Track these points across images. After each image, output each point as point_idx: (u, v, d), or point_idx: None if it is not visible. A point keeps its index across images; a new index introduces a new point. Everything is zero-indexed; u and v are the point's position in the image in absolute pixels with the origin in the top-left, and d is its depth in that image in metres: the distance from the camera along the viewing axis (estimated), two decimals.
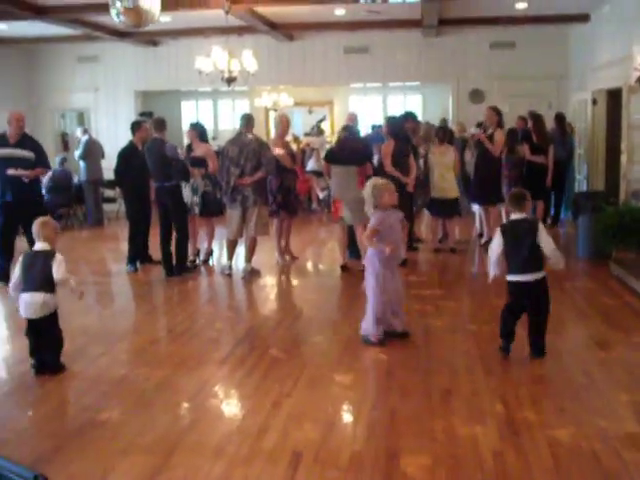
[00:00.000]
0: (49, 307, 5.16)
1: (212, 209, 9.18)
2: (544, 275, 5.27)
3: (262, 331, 6.45)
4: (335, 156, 8.52)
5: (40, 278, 5.11)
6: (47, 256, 5.16)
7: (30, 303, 5.12)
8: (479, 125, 10.61)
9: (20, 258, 5.30)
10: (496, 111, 9.75)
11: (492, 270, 5.37)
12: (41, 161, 8.47)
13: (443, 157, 9.43)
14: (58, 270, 5.09)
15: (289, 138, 9.34)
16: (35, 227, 5.32)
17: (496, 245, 5.31)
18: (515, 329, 5.34)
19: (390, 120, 9.28)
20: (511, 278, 5.27)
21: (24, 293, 5.15)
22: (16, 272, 5.25)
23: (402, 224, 5.74)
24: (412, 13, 12.10)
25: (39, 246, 5.27)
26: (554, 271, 8.15)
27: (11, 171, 8.07)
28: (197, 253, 9.41)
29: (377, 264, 5.59)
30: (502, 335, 5.37)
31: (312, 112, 18.85)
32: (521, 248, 5.17)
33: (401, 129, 8.95)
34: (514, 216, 5.36)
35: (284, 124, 9.12)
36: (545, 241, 5.17)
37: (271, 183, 8.88)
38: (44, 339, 5.23)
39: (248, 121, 8.51)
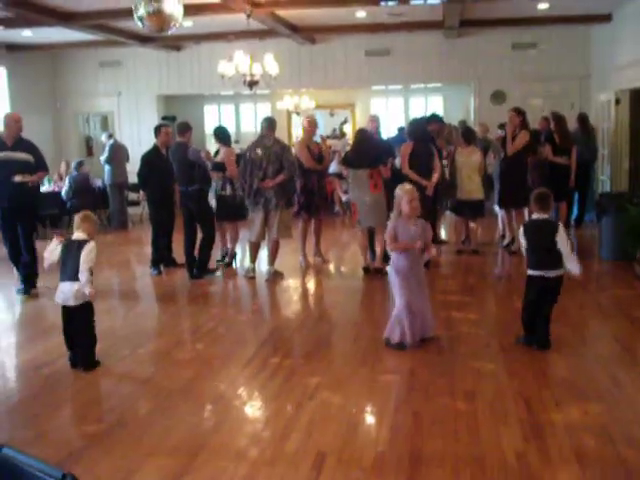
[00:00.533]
0: (84, 296, 5.30)
1: (225, 213, 9.09)
2: (562, 273, 5.47)
3: (285, 333, 6.48)
4: (349, 159, 8.60)
5: (74, 267, 5.25)
6: (80, 245, 5.30)
7: (64, 292, 5.31)
8: (501, 126, 10.55)
9: (60, 246, 5.41)
10: (517, 111, 9.61)
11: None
12: (41, 164, 8.17)
13: (470, 158, 9.40)
14: (84, 260, 5.23)
15: (317, 139, 9.33)
16: (76, 219, 5.48)
17: (522, 242, 5.62)
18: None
19: (411, 122, 9.26)
20: (531, 273, 5.52)
21: (61, 282, 5.33)
22: (54, 254, 5.40)
23: (426, 232, 5.65)
24: (433, 14, 12.08)
25: (76, 235, 5.41)
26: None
27: (18, 178, 7.77)
28: (225, 254, 9.47)
29: (400, 268, 5.59)
30: (526, 328, 5.62)
31: (334, 115, 18.87)
32: (541, 246, 5.43)
33: (422, 131, 8.87)
34: (535, 216, 5.59)
35: (311, 126, 9.14)
36: (562, 244, 5.33)
37: (296, 185, 8.94)
38: (78, 332, 5.40)
39: (270, 124, 8.54)
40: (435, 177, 8.57)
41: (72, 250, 5.32)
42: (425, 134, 8.86)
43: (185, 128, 8.86)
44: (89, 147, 16.93)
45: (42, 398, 4.93)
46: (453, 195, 9.51)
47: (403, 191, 5.55)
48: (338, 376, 5.15)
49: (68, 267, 5.31)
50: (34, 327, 7.02)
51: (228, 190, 8.99)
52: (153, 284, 8.77)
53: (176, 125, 9.02)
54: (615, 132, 11.88)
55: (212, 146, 13.48)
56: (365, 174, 8.31)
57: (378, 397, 4.74)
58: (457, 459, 3.75)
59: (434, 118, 9.69)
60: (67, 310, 5.39)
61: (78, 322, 5.40)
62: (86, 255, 5.25)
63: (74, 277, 5.26)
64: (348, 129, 18.68)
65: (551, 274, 5.41)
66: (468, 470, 3.63)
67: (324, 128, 18.40)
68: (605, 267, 8.78)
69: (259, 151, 8.33)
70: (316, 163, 9.00)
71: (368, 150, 8.46)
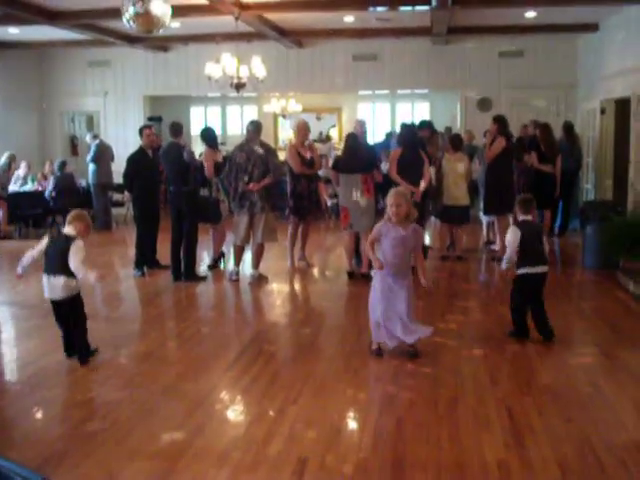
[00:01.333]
0: (70, 289, 5.37)
1: (204, 215, 8.99)
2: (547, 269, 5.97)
3: (268, 337, 6.46)
4: (341, 164, 8.58)
5: (58, 261, 5.28)
6: (67, 240, 5.33)
7: (51, 286, 5.37)
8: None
9: (46, 238, 5.49)
10: (494, 119, 9.62)
11: (506, 262, 5.92)
12: None
13: (456, 165, 9.42)
14: (73, 258, 5.23)
15: (309, 142, 9.32)
16: (69, 216, 5.53)
17: (513, 239, 5.83)
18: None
19: (401, 128, 9.28)
20: (523, 271, 5.85)
21: (45, 275, 5.38)
22: (37, 248, 5.46)
23: (417, 237, 5.57)
24: (422, 21, 12.14)
25: (66, 230, 5.46)
26: (561, 281, 8.20)
27: None
28: (218, 258, 9.45)
29: (378, 274, 5.57)
30: (520, 327, 5.99)
31: (320, 119, 18.89)
32: (534, 243, 5.85)
33: (411, 137, 8.89)
34: (522, 217, 5.99)
35: (302, 129, 9.13)
36: (545, 243, 5.96)
37: (287, 189, 8.95)
38: (71, 323, 5.48)
39: (256, 127, 8.52)
40: (423, 184, 8.53)
41: (59, 244, 5.34)
42: (415, 140, 8.88)
43: (179, 129, 8.83)
44: (74, 147, 16.86)
45: (23, 399, 4.88)
46: (439, 201, 9.53)
47: (389, 194, 5.52)
48: (321, 381, 5.14)
49: (53, 260, 5.34)
50: (15, 327, 6.96)
51: (205, 192, 8.96)
52: (136, 286, 8.73)
53: (169, 126, 8.94)
54: (600, 141, 11.96)
55: (199, 147, 13.49)
56: (358, 179, 8.29)
57: (361, 403, 4.73)
58: (439, 465, 3.75)
59: (425, 125, 9.71)
60: (56, 304, 5.46)
61: (69, 315, 5.46)
62: (74, 255, 5.24)
63: (59, 271, 5.29)
64: (334, 133, 18.72)
65: (545, 269, 5.90)
66: (450, 476, 3.64)
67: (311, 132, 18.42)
68: (588, 275, 8.83)
69: (244, 154, 8.32)
70: (307, 168, 8.99)
71: (361, 155, 8.47)
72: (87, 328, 5.56)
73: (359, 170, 8.31)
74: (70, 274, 5.30)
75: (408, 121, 9.57)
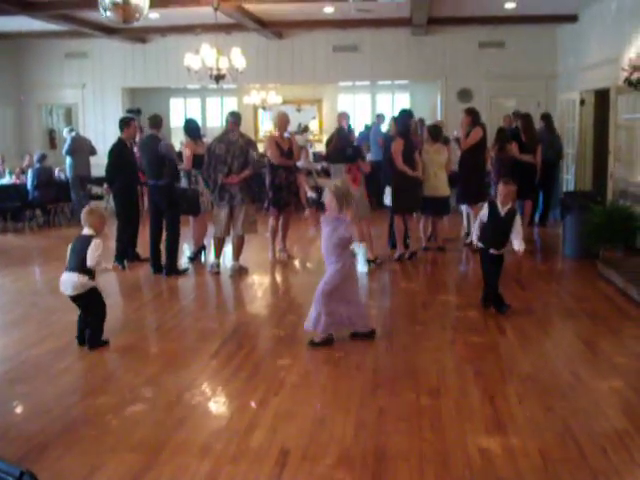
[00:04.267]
0: (83, 287, 5.61)
1: (183, 207, 8.94)
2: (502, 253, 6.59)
3: (249, 329, 6.44)
4: (329, 155, 9.01)
5: (77, 260, 5.57)
6: (86, 241, 5.59)
7: (64, 281, 5.64)
8: None
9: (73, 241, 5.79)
10: (466, 112, 9.83)
11: (475, 236, 6.70)
12: None
13: (436, 155, 9.42)
14: (91, 256, 5.51)
15: (288, 135, 9.28)
16: (82, 215, 5.76)
17: (483, 215, 6.55)
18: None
19: (398, 118, 9.30)
20: (480, 245, 6.65)
21: (65, 272, 5.66)
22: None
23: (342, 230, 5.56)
24: (401, 12, 12.11)
25: (85, 231, 5.70)
26: (541, 271, 8.25)
27: None
28: (199, 250, 9.40)
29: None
30: (485, 296, 6.71)
31: (301, 110, 18.84)
32: (496, 227, 6.44)
33: (408, 126, 9.13)
34: (500, 205, 6.50)
35: (282, 121, 9.10)
36: (517, 231, 6.40)
37: (265, 180, 8.96)
38: (87, 313, 5.76)
39: (235, 119, 8.47)
40: (420, 169, 9.03)
41: (78, 244, 5.62)
42: (409, 130, 9.21)
43: (159, 121, 8.76)
44: (52, 139, 16.69)
45: (3, 393, 4.84)
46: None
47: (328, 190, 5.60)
48: (303, 372, 5.13)
49: (72, 259, 5.61)
50: (0, 319, 6.91)
51: (184, 183, 8.92)
52: (117, 279, 8.66)
53: (149, 118, 8.86)
54: (579, 132, 12.01)
55: (179, 139, 13.42)
56: (343, 169, 8.56)
57: (343, 393, 4.72)
58: (421, 455, 3.75)
59: (408, 113, 9.74)
60: (72, 298, 5.71)
61: (84, 308, 5.74)
62: (92, 252, 5.51)
63: (76, 269, 5.56)
64: (314, 125, 18.69)
65: (497, 251, 6.51)
66: (432, 466, 3.64)
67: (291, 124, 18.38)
68: (568, 265, 8.87)
69: (223, 146, 8.27)
70: (285, 159, 8.96)
71: (344, 146, 8.74)
72: (104, 319, 5.80)
73: (342, 160, 8.58)
74: (84, 271, 5.56)
75: (399, 112, 9.59)
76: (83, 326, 5.78)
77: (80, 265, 5.53)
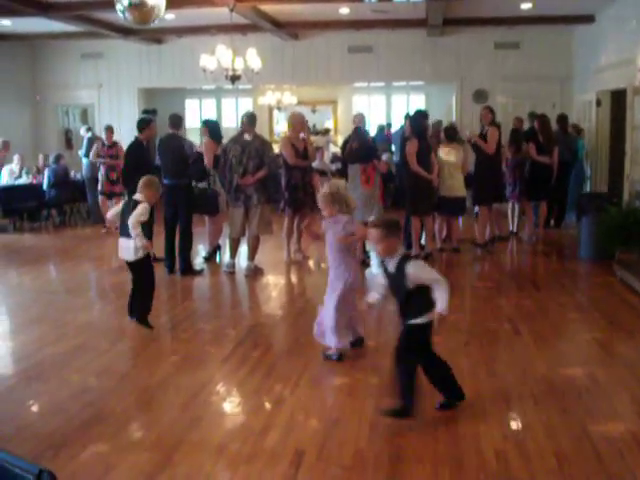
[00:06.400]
0: (137, 251, 5.88)
1: (202, 207, 9.09)
2: None
3: (264, 329, 6.45)
4: (346, 155, 9.05)
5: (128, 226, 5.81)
6: (135, 205, 5.83)
7: (121, 247, 5.99)
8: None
9: (121, 204, 6.15)
10: (489, 109, 9.88)
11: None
12: None
13: (452, 156, 9.41)
14: (132, 217, 5.75)
15: (303, 135, 9.24)
16: (140, 183, 5.97)
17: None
18: None
19: (412, 119, 9.30)
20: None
21: (120, 237, 5.98)
22: (113, 211, 6.27)
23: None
24: (417, 13, 12.11)
25: (136, 196, 5.93)
26: (557, 272, 8.22)
27: None
28: (214, 251, 9.43)
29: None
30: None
31: (315, 111, 18.86)
32: (394, 292, 4.32)
33: (423, 127, 9.14)
34: None
35: (298, 122, 9.10)
36: (436, 285, 4.17)
37: (281, 181, 8.98)
38: (136, 286, 6.13)
39: (250, 119, 8.48)
40: (436, 171, 9.03)
41: (128, 209, 5.87)
42: (425, 130, 9.22)
43: (179, 121, 8.81)
44: (68, 140, 16.77)
45: (18, 393, 4.87)
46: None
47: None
48: (318, 373, 5.14)
49: (124, 224, 5.87)
50: (11, 321, 6.94)
51: (204, 184, 8.97)
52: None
53: (169, 118, 8.87)
54: (595, 133, 11.95)
55: (195, 138, 13.46)
56: (358, 169, 8.63)
57: (358, 394, 4.72)
58: (436, 457, 3.75)
59: (423, 114, 9.73)
60: (129, 264, 6.03)
61: (136, 276, 6.09)
62: (135, 214, 5.74)
63: (128, 234, 5.80)
64: (329, 126, 18.71)
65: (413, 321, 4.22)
66: (447, 468, 3.63)
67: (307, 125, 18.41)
68: (584, 267, 8.83)
69: (239, 147, 8.29)
70: (301, 159, 8.96)
71: (359, 147, 8.77)
72: (152, 295, 6.16)
73: (358, 160, 8.67)
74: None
75: (411, 112, 9.63)
76: (132, 300, 6.22)
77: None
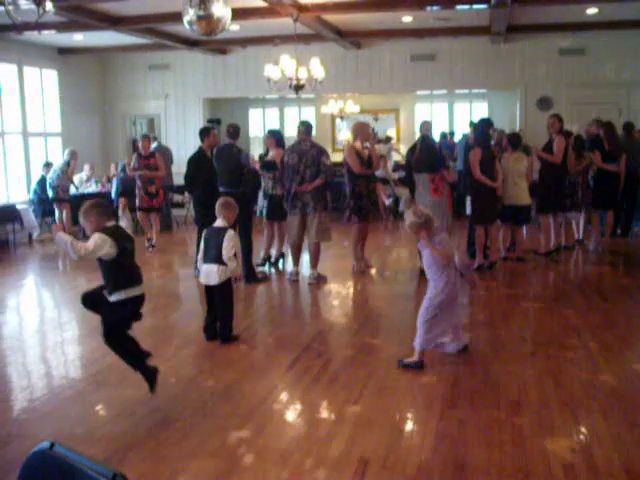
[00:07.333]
0: (221, 276, 5.96)
1: (276, 213, 9.28)
2: None
3: (328, 337, 6.48)
4: (413, 164, 8.88)
5: (215, 252, 5.94)
6: (220, 233, 5.98)
7: (207, 273, 6.03)
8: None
9: (204, 233, 6.20)
10: (557, 117, 9.70)
11: None
12: None
13: (516, 164, 9.30)
14: (226, 247, 5.89)
15: (367, 144, 9.22)
16: (217, 206, 6.14)
17: None
18: None
19: (476, 128, 9.27)
20: None
21: (204, 264, 6.06)
22: (201, 246, 6.23)
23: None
24: (480, 20, 12.02)
25: (218, 223, 6.11)
26: (624, 283, 8.05)
27: None
28: (268, 258, 9.52)
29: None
30: None
31: (378, 119, 18.83)
32: None
33: (486, 136, 9.07)
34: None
35: (363, 131, 9.09)
36: None
37: (346, 189, 9.02)
38: (220, 307, 6.12)
39: (306, 128, 8.58)
40: (500, 180, 8.94)
41: (213, 236, 6.00)
42: (488, 139, 9.15)
43: (237, 131, 8.94)
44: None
45: (88, 396, 5.00)
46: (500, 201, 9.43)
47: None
48: (382, 382, 5.13)
49: (210, 251, 5.98)
50: (80, 326, 7.11)
51: (278, 190, 9.07)
52: (197, 286, 8.81)
53: (227, 127, 9.04)
54: None
55: (258, 149, 13.60)
56: (427, 178, 8.53)
57: (422, 404, 4.71)
58: (502, 469, 3.70)
59: (488, 122, 9.65)
60: (210, 288, 6.08)
61: (220, 299, 6.09)
62: (227, 242, 5.89)
63: (216, 260, 5.92)
64: (393, 133, 18.65)
65: None
66: None
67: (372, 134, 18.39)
68: None
69: (296, 156, 8.36)
70: (365, 168, 8.95)
71: (427, 155, 8.67)
72: (234, 314, 6.23)
73: (425, 170, 8.55)
74: (222, 262, 5.89)
75: (477, 120, 9.54)
76: (210, 321, 6.21)
77: (219, 256, 5.89)
